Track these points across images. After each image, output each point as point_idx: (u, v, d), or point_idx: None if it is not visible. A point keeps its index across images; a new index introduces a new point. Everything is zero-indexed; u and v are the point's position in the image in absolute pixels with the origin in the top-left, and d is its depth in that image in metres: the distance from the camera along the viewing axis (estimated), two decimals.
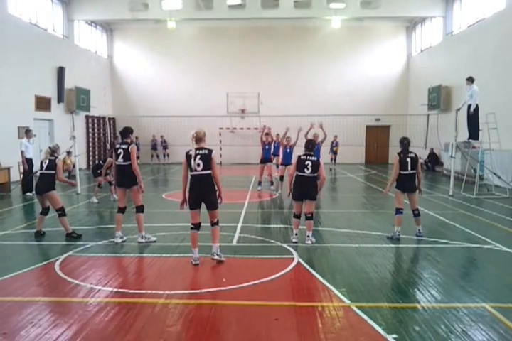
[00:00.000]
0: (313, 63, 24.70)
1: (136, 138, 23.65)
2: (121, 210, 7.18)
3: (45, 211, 7.62)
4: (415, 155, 7.33)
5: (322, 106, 23.44)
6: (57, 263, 5.98)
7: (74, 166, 14.04)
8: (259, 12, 20.69)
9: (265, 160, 13.04)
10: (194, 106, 23.97)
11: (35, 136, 13.14)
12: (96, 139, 23.33)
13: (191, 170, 5.81)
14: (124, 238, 7.20)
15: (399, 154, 7.26)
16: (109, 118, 23.71)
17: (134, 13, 20.57)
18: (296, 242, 7.02)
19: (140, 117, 23.56)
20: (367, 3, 20.35)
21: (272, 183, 13.29)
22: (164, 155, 24.74)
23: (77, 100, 19.52)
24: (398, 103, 24.63)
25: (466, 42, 18.31)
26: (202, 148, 5.80)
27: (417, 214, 7.41)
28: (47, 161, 7.51)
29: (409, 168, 7.19)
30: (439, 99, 19.80)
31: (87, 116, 21.88)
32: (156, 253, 6.59)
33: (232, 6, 20.57)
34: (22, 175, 13.01)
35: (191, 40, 25.04)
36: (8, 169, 13.56)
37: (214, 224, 6.01)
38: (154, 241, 7.09)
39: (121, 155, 6.97)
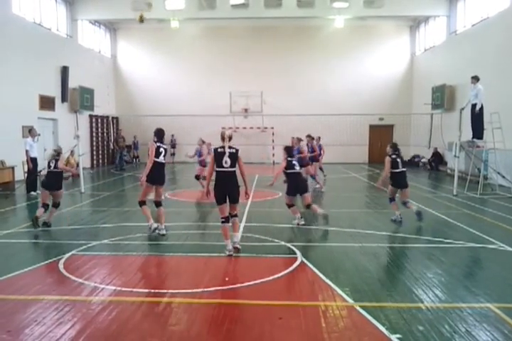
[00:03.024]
0: (317, 62, 24.61)
1: (135, 137, 23.68)
2: (157, 204, 7.62)
3: (47, 206, 8.16)
4: (400, 155, 8.73)
5: (325, 105, 23.42)
6: (61, 261, 6.00)
7: (78, 165, 14.08)
8: (262, 11, 20.68)
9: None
10: (197, 105, 23.92)
11: (39, 134, 13.15)
12: (100, 138, 23.38)
13: (218, 167, 6.26)
14: (164, 231, 7.45)
15: (390, 156, 8.59)
16: (113, 118, 23.76)
17: (137, 12, 20.58)
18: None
19: (143, 116, 23.57)
20: (370, 3, 20.29)
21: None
22: (171, 154, 24.37)
23: (81, 99, 19.53)
24: (402, 102, 24.51)
25: (470, 42, 18.22)
26: (231, 147, 6.30)
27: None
28: (54, 161, 8.24)
29: (400, 167, 8.55)
30: (442, 98, 19.72)
31: (90, 116, 21.91)
32: (159, 252, 6.62)
33: (235, 5, 20.57)
34: (26, 174, 13.05)
35: (194, 40, 25.02)
36: (13, 168, 13.62)
37: (234, 216, 6.50)
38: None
39: (163, 154, 7.50)
